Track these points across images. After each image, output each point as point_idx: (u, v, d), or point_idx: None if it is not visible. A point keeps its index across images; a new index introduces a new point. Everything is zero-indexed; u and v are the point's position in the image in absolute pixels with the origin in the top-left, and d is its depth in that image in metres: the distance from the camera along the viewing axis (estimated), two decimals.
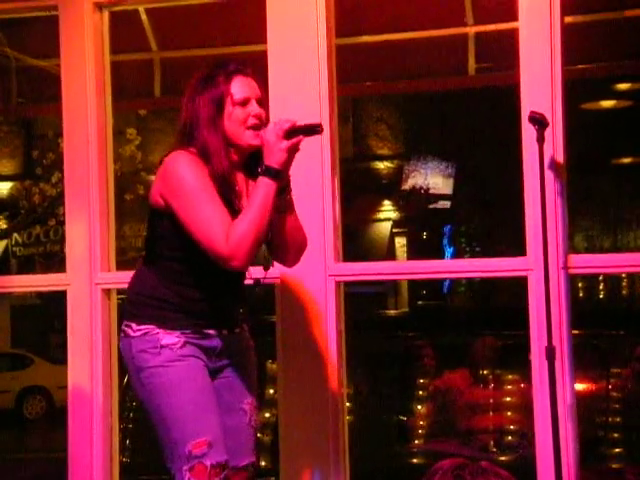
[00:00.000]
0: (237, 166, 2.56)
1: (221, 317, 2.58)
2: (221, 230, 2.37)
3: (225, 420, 2.54)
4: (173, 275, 2.53)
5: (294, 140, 2.42)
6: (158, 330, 2.50)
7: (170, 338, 2.49)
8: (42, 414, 12.92)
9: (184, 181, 2.43)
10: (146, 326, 2.51)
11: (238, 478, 2.57)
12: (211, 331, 2.56)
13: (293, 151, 2.44)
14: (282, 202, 2.50)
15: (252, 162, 2.56)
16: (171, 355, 2.48)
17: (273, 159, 2.41)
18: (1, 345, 15.21)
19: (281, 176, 2.43)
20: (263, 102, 2.56)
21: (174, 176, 2.45)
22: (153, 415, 2.50)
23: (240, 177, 2.58)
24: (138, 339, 2.51)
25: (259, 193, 2.41)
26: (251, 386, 2.64)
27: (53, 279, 3.81)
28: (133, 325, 2.54)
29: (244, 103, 2.51)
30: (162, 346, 2.48)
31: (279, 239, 2.55)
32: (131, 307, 2.59)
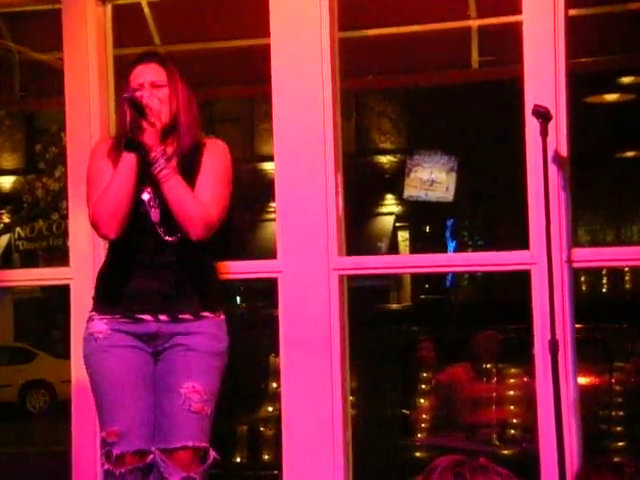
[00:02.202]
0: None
1: (155, 303, 2.67)
2: (92, 202, 2.68)
3: (161, 402, 2.65)
4: (109, 260, 2.75)
5: (125, 109, 2.61)
6: (94, 316, 2.69)
7: (99, 325, 2.66)
8: (45, 408, 12.94)
9: (87, 168, 2.79)
10: (90, 312, 2.73)
11: (170, 460, 2.62)
12: (145, 316, 2.66)
13: (135, 123, 2.59)
14: (155, 175, 2.63)
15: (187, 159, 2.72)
16: (95, 346, 2.66)
17: (130, 132, 2.62)
18: (4, 339, 15.23)
19: (136, 148, 2.60)
20: (163, 84, 2.71)
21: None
22: None
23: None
24: (86, 324, 2.75)
25: (119, 165, 2.62)
26: (198, 372, 2.68)
27: (56, 273, 3.81)
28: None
29: (139, 89, 2.70)
30: (90, 334, 2.68)
31: (169, 210, 2.67)
32: None
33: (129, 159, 2.60)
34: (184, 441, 2.63)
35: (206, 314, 2.73)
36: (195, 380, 2.66)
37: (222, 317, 2.79)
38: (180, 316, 2.68)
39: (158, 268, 2.66)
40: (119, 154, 2.65)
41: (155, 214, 2.65)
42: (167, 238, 2.65)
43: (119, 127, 2.77)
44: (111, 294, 2.69)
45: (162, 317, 2.67)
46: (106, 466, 2.64)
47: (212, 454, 2.68)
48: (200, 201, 2.63)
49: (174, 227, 2.65)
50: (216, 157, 2.74)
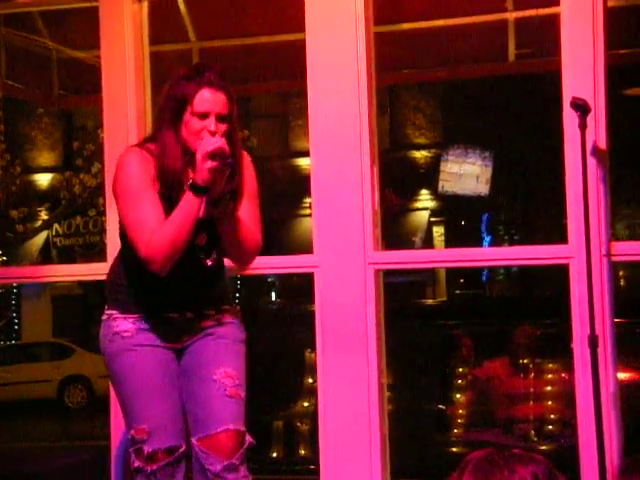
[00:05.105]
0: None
1: (183, 301, 2.66)
2: (144, 235, 2.51)
3: (195, 392, 2.66)
4: (132, 261, 2.63)
5: (213, 164, 2.47)
6: (117, 315, 2.65)
7: (125, 324, 2.63)
8: (83, 403, 13.07)
9: (123, 181, 2.58)
10: (110, 311, 2.67)
11: (211, 449, 2.61)
12: (172, 314, 2.65)
13: (217, 172, 2.49)
14: (216, 215, 2.56)
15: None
16: (122, 344, 2.63)
17: (199, 176, 2.49)
18: (43, 335, 15.41)
19: (204, 192, 2.51)
20: (228, 118, 2.58)
21: (117, 174, 2.61)
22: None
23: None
24: (103, 323, 2.69)
25: (182, 205, 2.51)
26: (229, 357, 2.69)
27: (95, 268, 3.84)
28: (105, 309, 2.71)
29: (203, 116, 2.56)
30: (115, 333, 2.64)
31: (223, 244, 2.64)
32: (105, 291, 2.75)
33: (193, 202, 2.50)
34: (225, 425, 2.62)
35: (226, 307, 2.76)
36: (227, 366, 2.68)
37: (238, 308, 2.82)
38: (205, 312, 2.71)
39: (186, 268, 2.64)
40: (166, 182, 2.55)
41: (202, 238, 2.63)
42: (208, 263, 2.66)
43: (172, 145, 2.55)
44: (137, 295, 2.67)
45: (188, 314, 2.69)
46: (136, 463, 2.63)
47: (248, 438, 2.68)
48: (253, 233, 2.65)
49: (215, 250, 2.65)
50: (249, 175, 2.72)
